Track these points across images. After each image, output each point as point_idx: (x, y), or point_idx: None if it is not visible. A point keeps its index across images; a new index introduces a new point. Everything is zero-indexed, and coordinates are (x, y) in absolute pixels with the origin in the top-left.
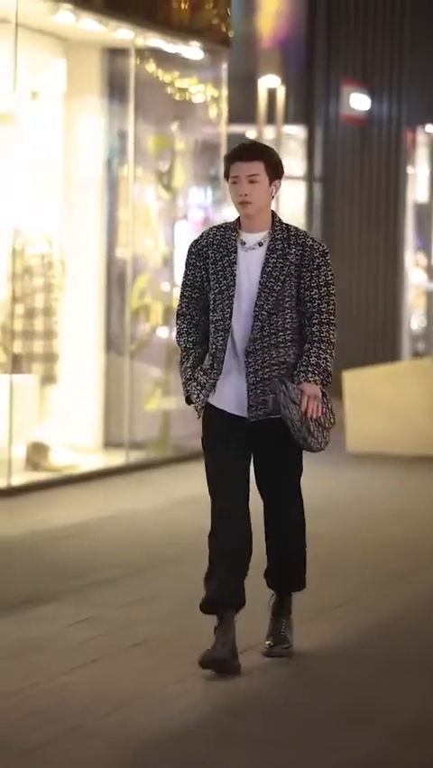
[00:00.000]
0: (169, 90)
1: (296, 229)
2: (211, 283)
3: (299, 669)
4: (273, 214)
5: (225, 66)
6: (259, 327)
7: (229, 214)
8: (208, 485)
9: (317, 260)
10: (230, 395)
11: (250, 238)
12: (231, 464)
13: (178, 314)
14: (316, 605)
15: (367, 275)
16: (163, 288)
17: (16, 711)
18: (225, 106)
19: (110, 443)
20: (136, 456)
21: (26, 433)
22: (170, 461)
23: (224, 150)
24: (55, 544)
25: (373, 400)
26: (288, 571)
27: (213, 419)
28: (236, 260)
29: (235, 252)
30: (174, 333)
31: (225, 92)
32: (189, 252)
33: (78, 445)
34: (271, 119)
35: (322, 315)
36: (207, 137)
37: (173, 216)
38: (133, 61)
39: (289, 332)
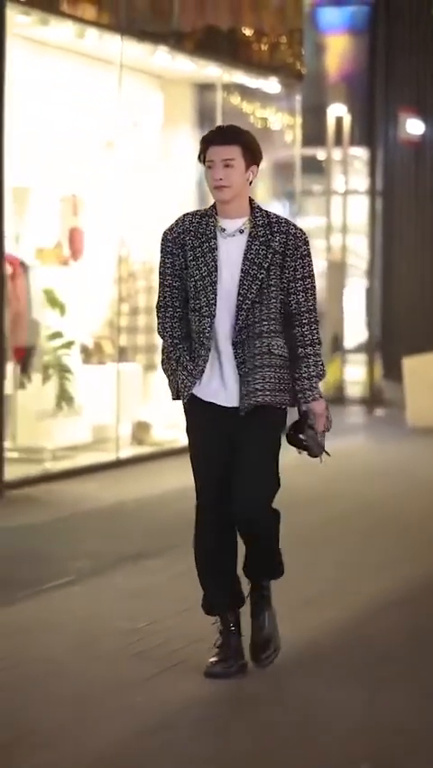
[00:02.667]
0: (251, 119)
1: (277, 216)
2: (190, 270)
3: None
4: (251, 201)
5: (298, 97)
6: (244, 317)
7: (306, 224)
8: (194, 476)
9: (301, 249)
10: (213, 385)
11: (229, 224)
12: (215, 456)
13: (159, 305)
14: (378, 561)
15: (423, 273)
16: None
17: (131, 648)
18: (298, 132)
19: None
20: None
21: (131, 413)
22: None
23: (298, 170)
24: (160, 507)
25: (430, 382)
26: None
27: (197, 410)
28: (216, 246)
29: (215, 239)
30: (159, 323)
31: (298, 120)
32: (165, 240)
33: (176, 423)
34: (338, 142)
35: (311, 315)
36: (284, 158)
37: None
38: (220, 95)
39: (273, 321)
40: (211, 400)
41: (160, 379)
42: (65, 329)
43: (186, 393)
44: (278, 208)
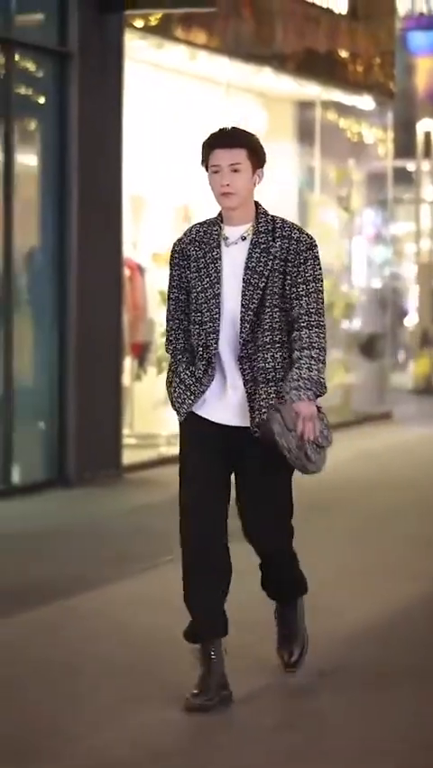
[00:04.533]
0: (346, 134)
1: (282, 221)
2: (192, 282)
3: None
4: (258, 206)
5: (390, 113)
6: (248, 329)
7: (397, 230)
8: (181, 498)
9: (304, 254)
10: (215, 402)
11: (232, 232)
12: (211, 475)
13: (167, 318)
14: None
15: None
16: (343, 289)
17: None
18: (390, 145)
19: None
20: None
21: None
22: (350, 424)
23: (390, 180)
24: None
25: None
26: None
27: (194, 427)
28: (219, 256)
29: (218, 248)
30: (166, 334)
31: (390, 134)
32: (173, 251)
33: None
34: (427, 154)
35: (311, 318)
36: (377, 170)
37: (350, 232)
38: (318, 112)
39: (276, 332)
40: (212, 418)
41: None
42: None
43: (184, 410)
44: (371, 215)
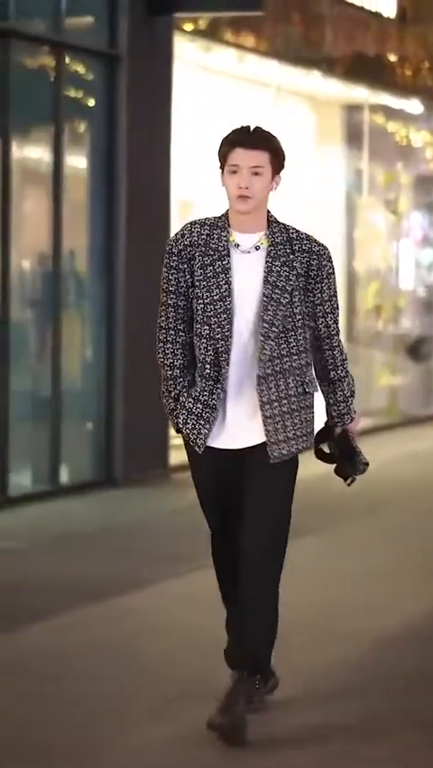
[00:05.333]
0: (394, 137)
1: (296, 231)
2: (197, 290)
3: None
4: (269, 213)
5: None
6: (271, 347)
7: None
8: (209, 524)
9: (326, 269)
10: (220, 425)
11: (244, 239)
12: (222, 505)
13: (160, 326)
14: None
15: None
16: (390, 292)
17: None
18: None
19: None
20: (369, 422)
21: None
22: (396, 426)
23: None
24: (310, 488)
25: None
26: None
27: (205, 461)
28: (230, 265)
29: (228, 256)
30: (159, 348)
31: None
32: (170, 252)
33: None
34: None
35: (339, 336)
36: (424, 173)
37: (398, 235)
38: (366, 115)
39: (304, 356)
40: (221, 446)
41: None
42: None
43: (201, 441)
44: (418, 217)
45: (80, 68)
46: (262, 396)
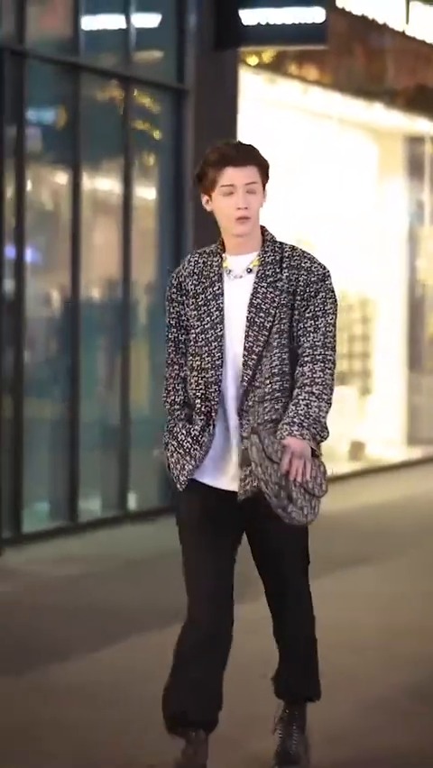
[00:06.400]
0: None
1: (292, 248)
2: (192, 321)
3: None
4: (264, 231)
5: None
6: (250, 376)
7: None
8: (186, 575)
9: (314, 286)
10: (220, 464)
11: (236, 263)
12: (215, 557)
13: (166, 363)
14: None
15: None
16: None
17: (343, 641)
18: None
19: (413, 440)
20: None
21: (348, 433)
22: None
23: None
24: (368, 517)
25: None
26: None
27: (195, 496)
28: (222, 291)
29: (220, 282)
30: (164, 384)
31: None
32: (170, 285)
33: (388, 442)
34: None
35: (316, 351)
36: None
37: None
38: (428, 146)
39: (277, 379)
40: (214, 484)
41: (374, 402)
42: None
43: (183, 478)
44: None
45: (148, 101)
46: (243, 429)
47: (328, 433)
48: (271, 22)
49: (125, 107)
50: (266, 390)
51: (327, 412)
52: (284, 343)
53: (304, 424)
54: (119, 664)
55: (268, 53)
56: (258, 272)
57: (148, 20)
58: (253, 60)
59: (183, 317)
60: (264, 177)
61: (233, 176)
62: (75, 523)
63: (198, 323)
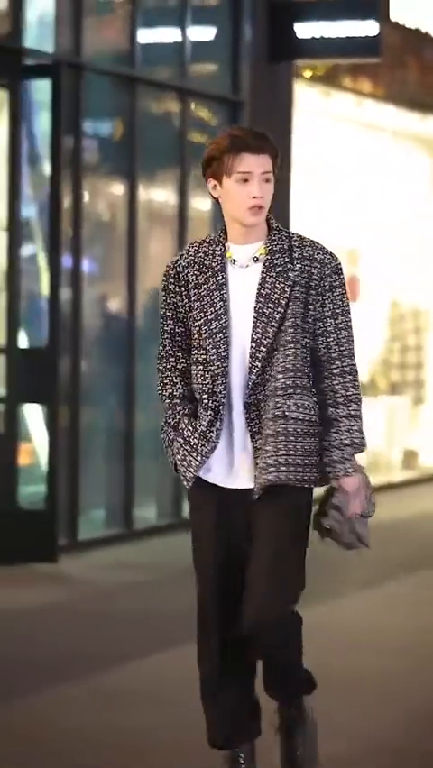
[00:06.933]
0: None
1: (300, 238)
2: (194, 312)
3: None
4: (269, 221)
5: None
6: (258, 369)
7: None
8: (198, 580)
9: (330, 279)
10: (227, 462)
11: (242, 252)
12: (226, 557)
13: (159, 355)
14: None
15: None
16: None
17: (378, 646)
18: None
19: None
20: None
21: (401, 441)
22: None
23: None
24: (422, 525)
25: None
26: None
27: (203, 495)
28: (225, 281)
29: (224, 272)
30: (158, 378)
31: None
32: (167, 275)
33: None
34: None
35: (344, 363)
36: None
37: None
38: None
39: (293, 374)
40: (222, 483)
41: (427, 411)
42: None
43: (191, 475)
44: None
45: (204, 113)
46: (250, 425)
47: (365, 442)
48: (326, 36)
49: (181, 119)
50: (277, 385)
51: (361, 427)
52: (298, 339)
53: (347, 455)
54: (174, 670)
55: (322, 66)
56: (265, 261)
57: (203, 33)
58: (307, 73)
59: (180, 309)
60: (276, 166)
61: (250, 163)
62: (130, 530)
63: (201, 314)
